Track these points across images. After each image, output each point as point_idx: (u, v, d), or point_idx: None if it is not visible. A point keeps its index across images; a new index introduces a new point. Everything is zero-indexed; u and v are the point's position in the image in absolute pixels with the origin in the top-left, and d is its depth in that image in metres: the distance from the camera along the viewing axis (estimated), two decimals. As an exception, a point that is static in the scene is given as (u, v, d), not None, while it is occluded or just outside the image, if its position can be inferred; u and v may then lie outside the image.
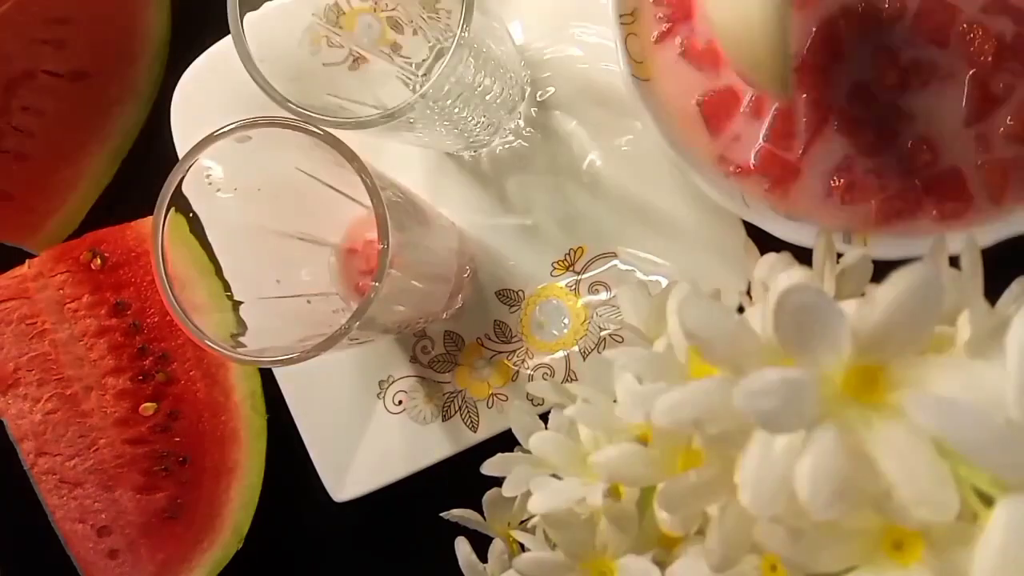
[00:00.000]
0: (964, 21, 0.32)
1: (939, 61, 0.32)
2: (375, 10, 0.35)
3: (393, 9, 0.35)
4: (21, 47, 0.43)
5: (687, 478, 0.21)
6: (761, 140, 0.33)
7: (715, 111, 0.34)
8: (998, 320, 0.19)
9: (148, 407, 0.42)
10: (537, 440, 0.27)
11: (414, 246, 0.32)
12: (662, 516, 0.23)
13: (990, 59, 0.31)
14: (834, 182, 0.33)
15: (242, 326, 0.30)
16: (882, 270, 0.19)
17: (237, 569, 0.43)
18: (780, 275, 0.23)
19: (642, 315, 0.27)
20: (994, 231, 0.32)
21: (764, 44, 0.27)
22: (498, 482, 0.29)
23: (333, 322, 0.34)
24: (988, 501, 0.17)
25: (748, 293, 0.28)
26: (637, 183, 0.39)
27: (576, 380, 0.39)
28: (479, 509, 0.32)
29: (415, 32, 0.36)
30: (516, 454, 0.30)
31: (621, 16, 0.34)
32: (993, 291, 0.24)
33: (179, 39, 0.45)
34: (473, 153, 0.41)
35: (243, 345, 0.29)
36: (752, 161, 0.34)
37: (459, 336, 0.41)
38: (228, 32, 0.29)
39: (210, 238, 0.30)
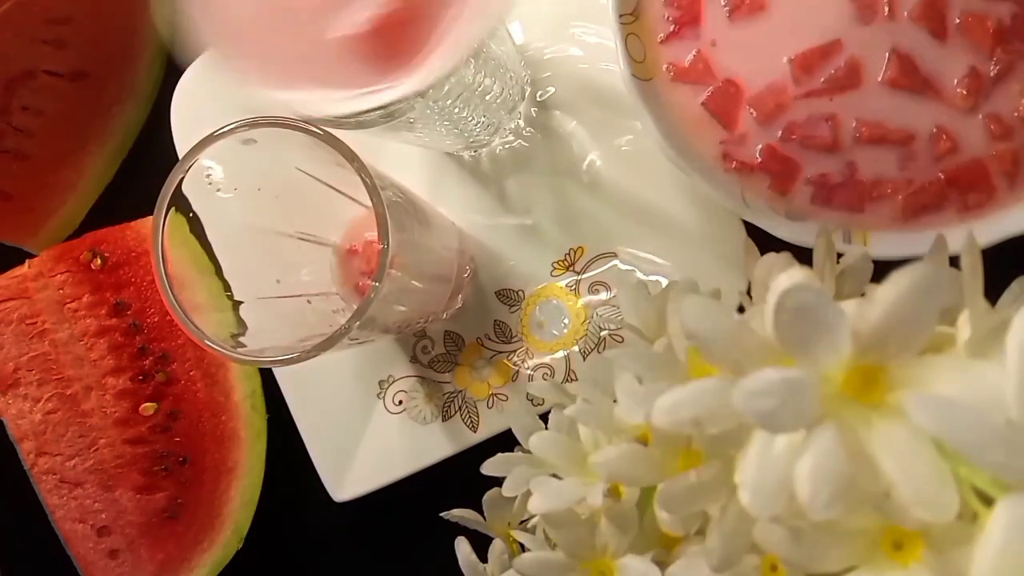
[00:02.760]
0: (960, 12, 0.32)
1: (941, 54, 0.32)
2: (375, 10, 0.35)
3: (393, 9, 0.35)
4: (21, 47, 0.43)
5: (687, 478, 0.21)
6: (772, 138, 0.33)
7: (722, 106, 0.34)
8: (998, 320, 0.19)
9: (148, 407, 0.42)
10: (537, 440, 0.27)
11: (414, 246, 0.32)
12: (662, 516, 0.23)
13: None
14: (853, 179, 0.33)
15: (242, 326, 0.30)
16: (882, 270, 0.19)
17: (237, 569, 0.43)
18: (780, 275, 0.23)
19: (642, 315, 0.27)
20: (999, 228, 0.32)
21: None
22: (498, 482, 0.29)
23: (333, 322, 0.34)
24: (988, 501, 0.17)
25: (748, 293, 0.27)
26: (637, 183, 0.39)
27: (576, 380, 0.39)
28: (479, 509, 0.32)
29: (415, 32, 0.36)
30: (516, 454, 0.30)
31: (621, 16, 0.34)
32: (993, 291, 0.24)
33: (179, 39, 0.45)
34: (473, 153, 0.41)
35: (243, 345, 0.29)
36: (756, 158, 0.34)
37: (459, 336, 0.41)
38: (228, 32, 0.29)
39: (210, 238, 0.30)
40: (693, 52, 0.34)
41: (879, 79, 0.33)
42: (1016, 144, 0.33)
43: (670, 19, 0.34)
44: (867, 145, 0.33)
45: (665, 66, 0.34)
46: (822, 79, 0.33)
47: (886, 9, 0.32)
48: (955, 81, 0.32)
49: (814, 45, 0.33)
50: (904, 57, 0.32)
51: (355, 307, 0.27)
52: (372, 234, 0.35)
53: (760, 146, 0.34)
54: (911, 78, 0.32)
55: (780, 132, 0.34)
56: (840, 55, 0.33)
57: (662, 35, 0.34)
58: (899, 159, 0.33)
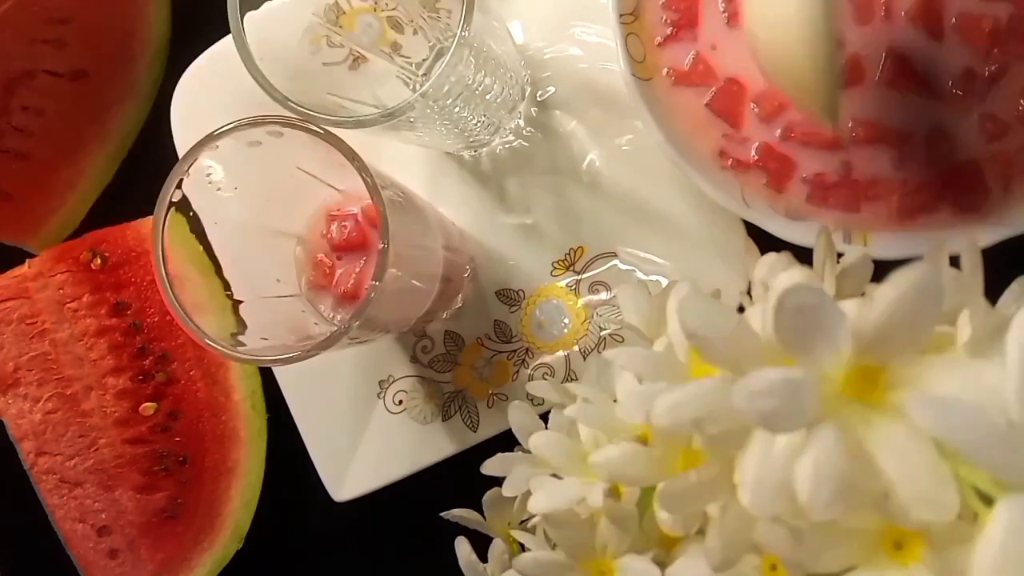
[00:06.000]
0: (956, 12, 0.32)
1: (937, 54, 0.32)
2: (375, 10, 0.35)
3: (393, 9, 0.35)
4: (21, 47, 0.43)
5: (687, 478, 0.21)
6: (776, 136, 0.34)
7: (727, 105, 0.34)
8: (998, 320, 0.19)
9: (148, 407, 0.42)
10: (537, 440, 0.27)
11: (414, 245, 0.32)
12: (662, 516, 0.23)
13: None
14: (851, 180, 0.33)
15: (242, 325, 0.30)
16: (882, 270, 0.19)
17: (237, 569, 0.43)
18: (780, 275, 0.23)
19: (642, 315, 0.27)
20: (999, 228, 0.32)
21: (813, 73, 0.26)
22: (498, 482, 0.29)
23: (333, 322, 0.34)
24: (988, 501, 0.17)
25: (748, 293, 0.27)
26: (637, 183, 0.39)
27: (576, 380, 0.39)
28: (479, 509, 0.32)
29: (415, 32, 0.36)
30: (516, 454, 0.30)
31: (621, 16, 0.34)
32: (993, 291, 0.24)
33: (179, 39, 0.45)
34: (473, 153, 0.41)
35: (243, 344, 0.29)
36: (753, 155, 0.34)
37: (459, 336, 0.41)
38: (228, 32, 0.29)
39: (210, 237, 0.30)
40: (692, 54, 0.34)
41: (876, 79, 0.33)
42: (1011, 146, 0.32)
43: (668, 22, 0.34)
44: (863, 145, 0.33)
45: (665, 71, 0.34)
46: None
47: (883, 10, 0.32)
48: (951, 81, 0.32)
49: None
50: (901, 57, 0.32)
51: (335, 305, 0.27)
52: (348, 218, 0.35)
53: (757, 143, 0.34)
54: (908, 78, 0.32)
55: (780, 131, 0.34)
56: (840, 53, 0.33)
57: (660, 38, 0.34)
58: (895, 159, 0.33)
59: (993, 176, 0.33)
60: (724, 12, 0.34)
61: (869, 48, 0.33)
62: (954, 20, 0.32)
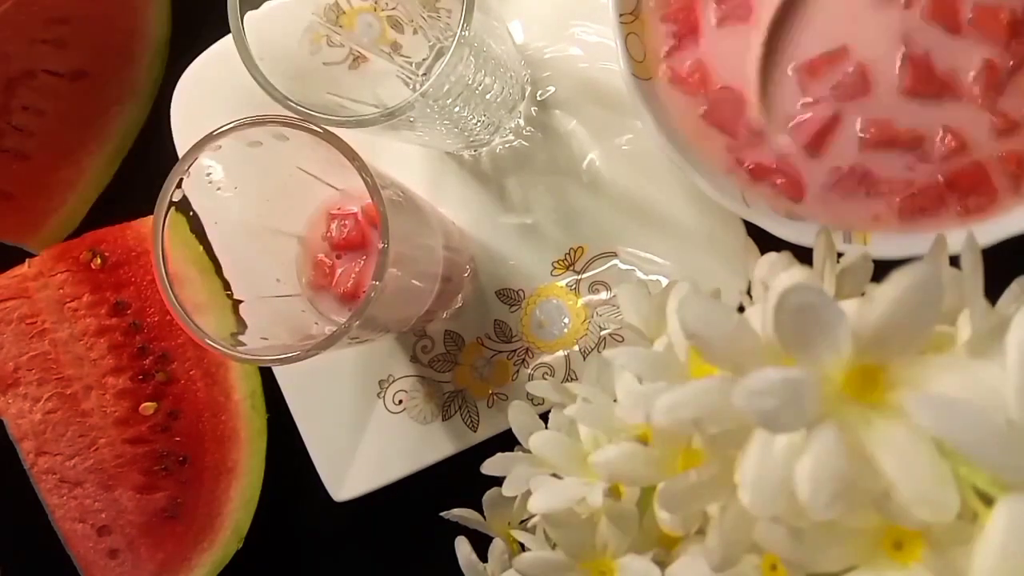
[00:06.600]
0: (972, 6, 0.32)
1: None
2: (375, 9, 0.35)
3: (393, 8, 0.35)
4: (21, 47, 0.43)
5: (687, 478, 0.21)
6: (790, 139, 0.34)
7: (721, 116, 0.34)
8: (998, 320, 0.19)
9: (148, 407, 0.42)
10: (537, 440, 0.27)
11: (414, 245, 0.32)
12: (662, 516, 0.23)
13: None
14: (854, 179, 0.33)
15: (242, 325, 0.30)
16: (882, 270, 0.19)
17: (237, 569, 0.43)
18: (780, 275, 0.23)
19: (642, 315, 0.27)
20: (1000, 228, 0.32)
21: None
22: (498, 482, 0.29)
23: (332, 321, 0.34)
24: (988, 501, 0.17)
25: (748, 293, 0.27)
26: (637, 182, 0.39)
27: (576, 380, 0.39)
28: (479, 509, 0.32)
29: (415, 31, 0.36)
30: (516, 454, 0.30)
31: (621, 15, 0.34)
32: (993, 291, 0.24)
33: (179, 39, 0.45)
34: (473, 152, 0.41)
35: (243, 344, 0.29)
36: (772, 161, 0.34)
37: (459, 336, 0.41)
38: (228, 32, 0.29)
39: (210, 237, 0.30)
40: (691, 61, 0.34)
41: (895, 76, 0.32)
42: (1020, 144, 0.32)
43: (670, 33, 0.34)
44: (869, 144, 0.33)
45: (663, 68, 0.34)
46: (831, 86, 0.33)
47: (902, 4, 0.32)
48: (971, 76, 0.32)
49: (822, 51, 0.33)
50: (919, 59, 0.32)
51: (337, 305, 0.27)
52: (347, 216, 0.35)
53: (775, 150, 0.34)
54: (927, 83, 0.32)
55: (790, 137, 0.33)
56: (848, 61, 0.32)
57: (665, 48, 0.34)
58: (899, 158, 0.33)
59: (1000, 176, 0.32)
60: (715, 17, 0.34)
61: (884, 41, 0.32)
62: (971, 15, 0.32)
